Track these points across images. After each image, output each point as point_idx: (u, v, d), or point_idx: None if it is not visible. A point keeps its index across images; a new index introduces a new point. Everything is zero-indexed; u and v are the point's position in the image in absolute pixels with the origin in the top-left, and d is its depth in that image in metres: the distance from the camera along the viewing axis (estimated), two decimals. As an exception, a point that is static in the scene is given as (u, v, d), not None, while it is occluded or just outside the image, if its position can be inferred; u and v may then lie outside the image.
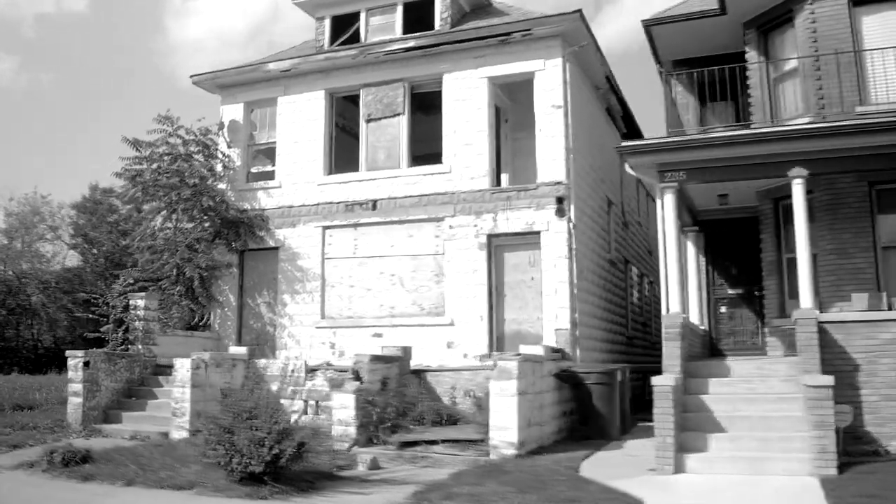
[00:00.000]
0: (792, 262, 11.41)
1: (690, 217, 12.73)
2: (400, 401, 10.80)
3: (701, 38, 12.91)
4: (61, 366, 25.68)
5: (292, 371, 12.04)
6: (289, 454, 7.80)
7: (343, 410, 10.07)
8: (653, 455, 9.42)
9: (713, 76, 12.56)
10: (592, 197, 14.49)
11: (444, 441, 9.60)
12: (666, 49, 13.35)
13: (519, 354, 9.50)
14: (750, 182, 11.19)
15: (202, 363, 11.33)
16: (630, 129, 18.00)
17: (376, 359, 10.70)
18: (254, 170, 15.60)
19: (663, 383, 8.42)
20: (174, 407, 11.15)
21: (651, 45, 13.21)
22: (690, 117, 13.43)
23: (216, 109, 15.68)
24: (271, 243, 14.65)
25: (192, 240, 14.10)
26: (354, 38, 14.93)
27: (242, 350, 12.48)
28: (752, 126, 11.58)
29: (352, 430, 9.94)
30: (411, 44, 13.82)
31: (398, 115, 14.10)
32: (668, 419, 8.32)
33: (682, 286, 10.27)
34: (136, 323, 13.01)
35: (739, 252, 12.98)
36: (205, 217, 14.11)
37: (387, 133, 14.21)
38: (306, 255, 14.35)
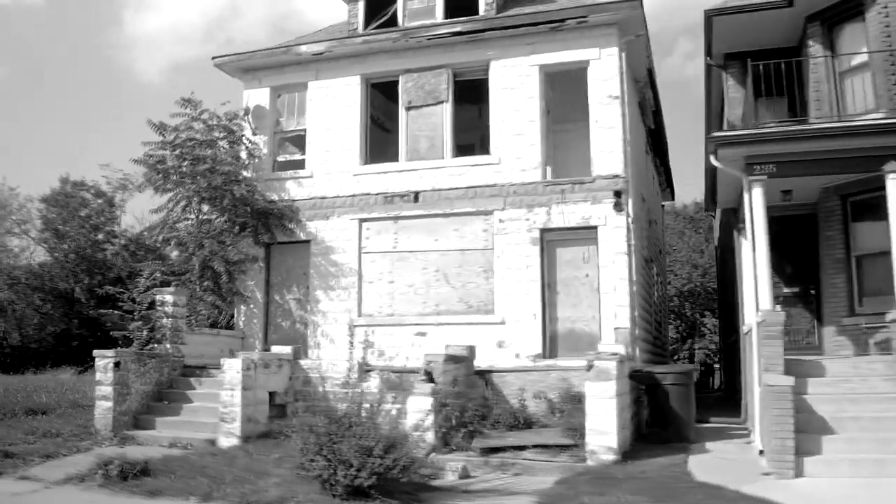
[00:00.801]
0: (862, 260, 11.28)
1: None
2: (476, 404, 10.14)
3: (758, 31, 12.60)
4: (37, 365, 24.23)
5: (345, 371, 11.28)
6: (401, 465, 7.12)
7: (418, 414, 9.34)
8: (746, 458, 9.17)
9: (768, 70, 12.30)
10: (637, 192, 14.11)
11: (533, 446, 9.01)
12: (721, 41, 13.01)
13: (616, 354, 9.00)
14: (816, 178, 10.96)
15: (252, 364, 10.46)
16: (657, 124, 17.73)
17: (449, 359, 10.02)
18: (280, 159, 14.67)
19: (783, 384, 8.02)
20: (222, 412, 10.25)
21: (707, 36, 12.85)
22: (742, 111, 13.14)
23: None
24: (302, 236, 13.77)
25: (218, 231, 13.14)
26: (391, 22, 14.18)
27: (287, 350, 11.64)
28: (812, 121, 11.35)
29: (429, 436, 9.20)
30: (458, 28, 13.15)
31: (441, 102, 13.42)
32: (787, 421, 7.91)
33: (768, 283, 9.91)
34: (164, 320, 11.97)
35: (794, 250, 12.73)
36: (234, 207, 13.12)
37: (429, 122, 13.51)
38: (341, 249, 13.53)
